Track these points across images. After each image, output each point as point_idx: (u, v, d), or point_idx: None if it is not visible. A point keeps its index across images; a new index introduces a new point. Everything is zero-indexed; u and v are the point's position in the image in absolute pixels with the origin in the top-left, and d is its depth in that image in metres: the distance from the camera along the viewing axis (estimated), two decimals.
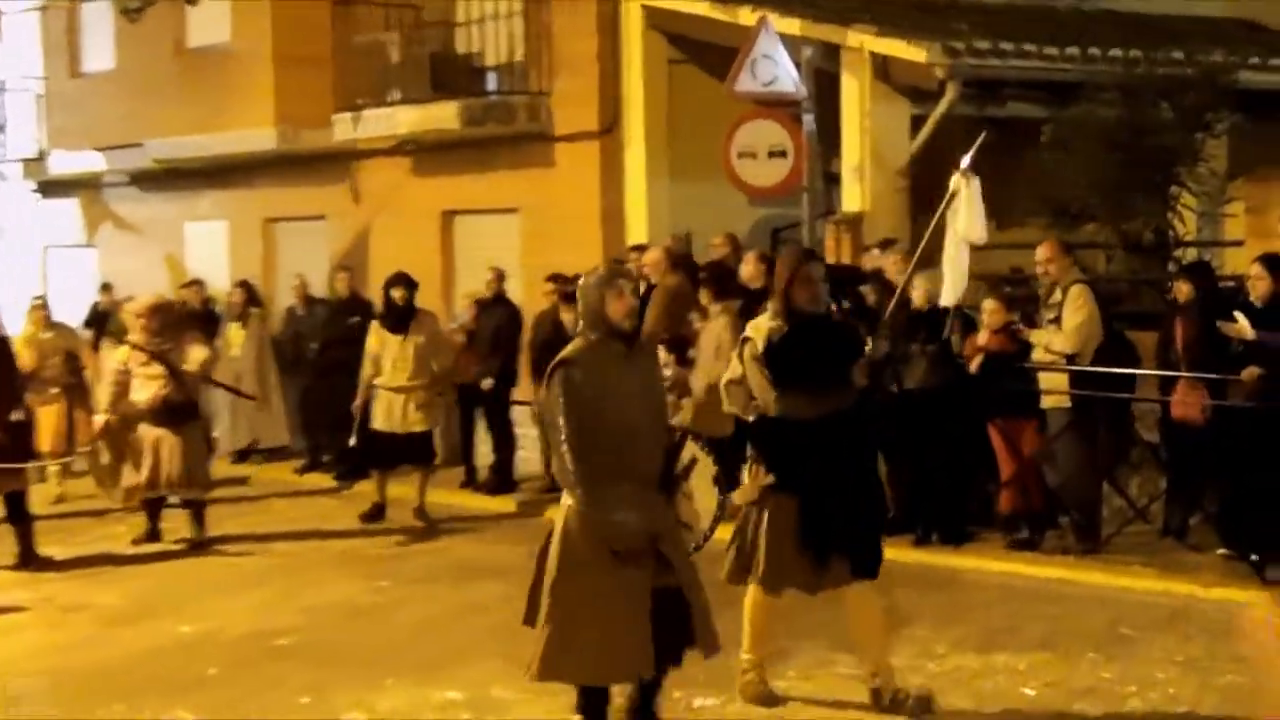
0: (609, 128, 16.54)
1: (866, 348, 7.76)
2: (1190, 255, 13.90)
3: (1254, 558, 10.48)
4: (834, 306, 8.20)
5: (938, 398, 11.79)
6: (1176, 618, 9.79)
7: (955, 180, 7.83)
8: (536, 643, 6.97)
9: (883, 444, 11.48)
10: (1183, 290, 11.51)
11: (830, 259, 13.64)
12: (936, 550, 11.73)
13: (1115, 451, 11.89)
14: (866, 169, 14.94)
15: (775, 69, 14.50)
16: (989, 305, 11.75)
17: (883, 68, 14.95)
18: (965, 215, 7.82)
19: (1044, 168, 14.16)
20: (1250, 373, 10.48)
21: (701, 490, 7.41)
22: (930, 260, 8.90)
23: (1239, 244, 14.35)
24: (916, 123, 15.08)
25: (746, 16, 15.11)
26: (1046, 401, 11.49)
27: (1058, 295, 11.42)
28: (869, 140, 14.95)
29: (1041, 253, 11.65)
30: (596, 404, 6.78)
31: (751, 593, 7.91)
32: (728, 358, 13.18)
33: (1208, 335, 10.87)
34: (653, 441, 7.03)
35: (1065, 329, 11.27)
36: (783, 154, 14.88)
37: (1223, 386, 10.77)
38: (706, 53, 16.14)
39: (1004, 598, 10.47)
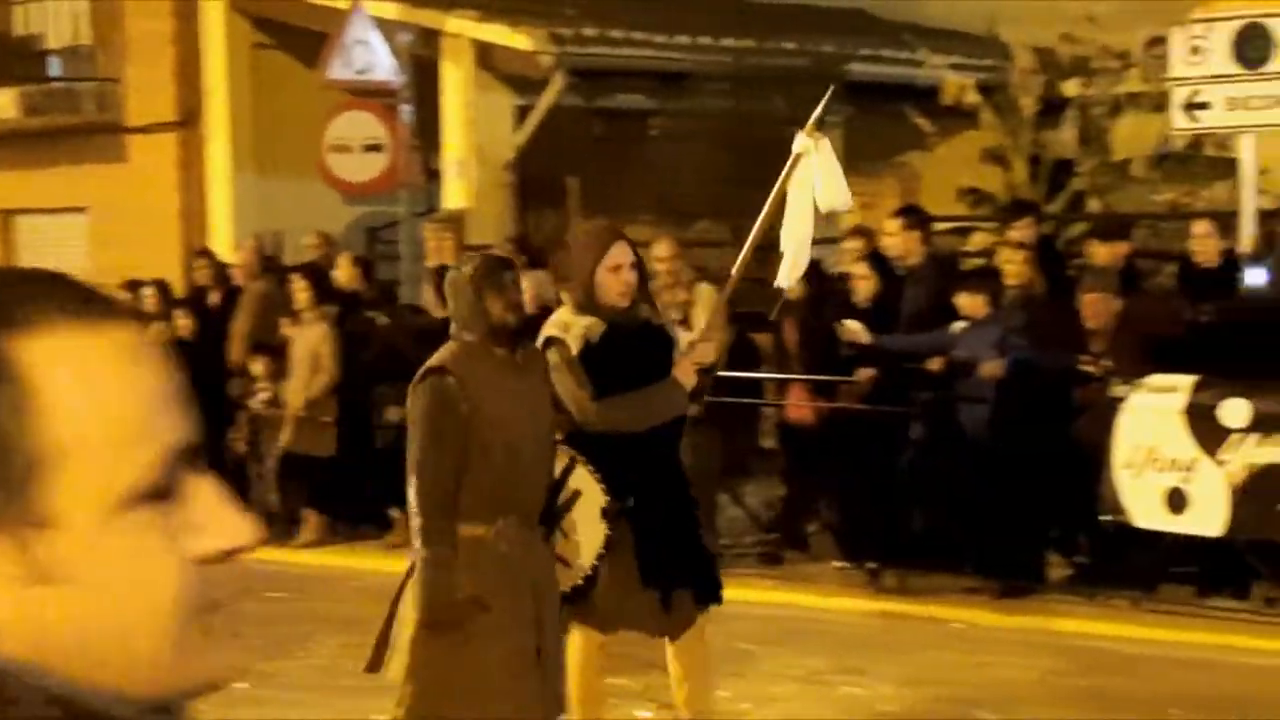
0: (188, 119, 16.21)
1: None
2: None
3: (870, 565, 10.91)
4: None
5: None
6: (797, 630, 10.10)
7: (802, 141, 7.00)
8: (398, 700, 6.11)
9: None
10: (793, 289, 11.86)
11: (432, 261, 13.64)
12: None
13: (734, 459, 12.21)
14: (470, 164, 14.99)
15: (370, 56, 14.44)
16: None
17: (486, 56, 15.03)
18: (823, 181, 6.99)
19: (653, 161, 14.45)
20: (864, 374, 10.90)
21: (585, 523, 6.43)
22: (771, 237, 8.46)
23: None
24: (522, 114, 15.22)
25: None
26: None
27: (680, 295, 11.64)
28: (472, 133, 15.01)
29: (660, 250, 11.85)
30: (474, 421, 5.90)
31: (579, 639, 6.88)
32: (327, 369, 13.25)
33: (819, 335, 11.28)
34: (540, 467, 6.19)
35: (698, 330, 11.47)
36: (379, 147, 14.83)
37: (834, 388, 11.19)
38: (296, 38, 15.94)
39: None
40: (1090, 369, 10.30)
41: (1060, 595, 10.45)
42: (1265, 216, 11.46)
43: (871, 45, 16.99)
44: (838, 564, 11.30)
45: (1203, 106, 11.36)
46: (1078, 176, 14.11)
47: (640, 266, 6.79)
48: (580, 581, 6.47)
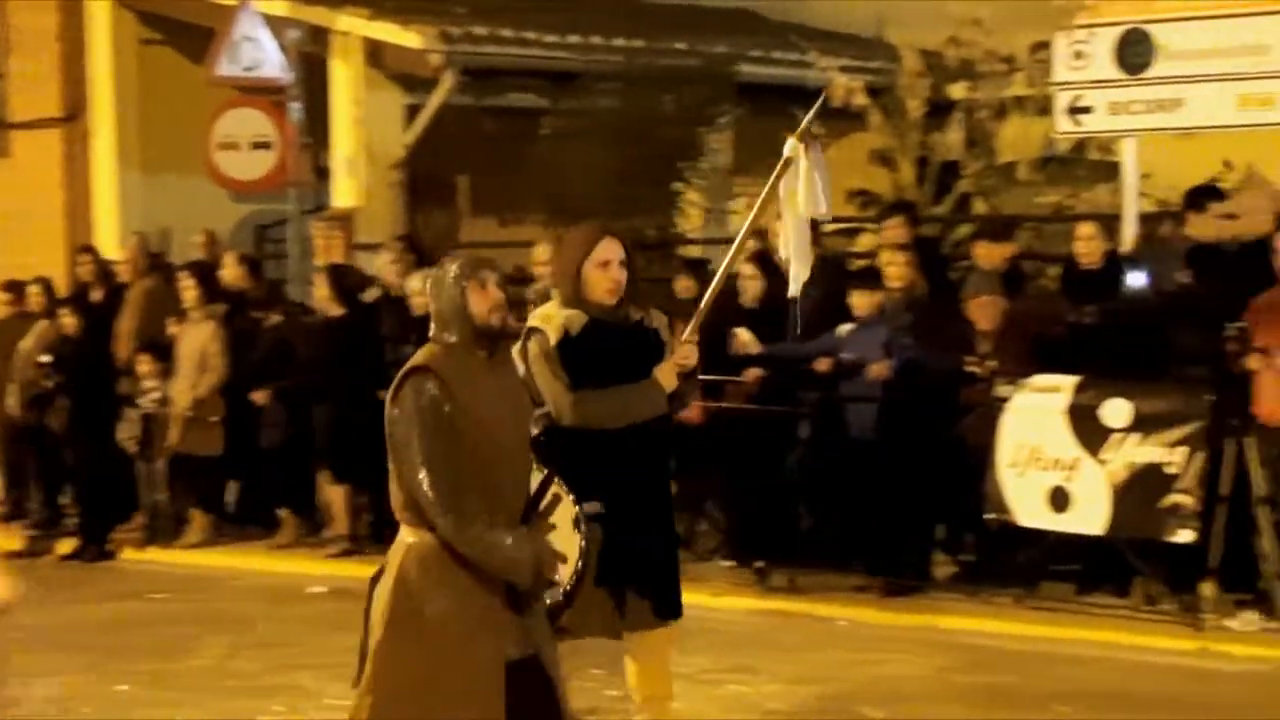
0: (73, 114, 16.03)
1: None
2: (694, 253, 14.43)
3: (758, 565, 10.98)
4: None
5: None
6: (683, 630, 10.06)
7: (791, 146, 6.88)
8: (355, 711, 5.85)
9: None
10: (683, 286, 11.93)
11: (321, 260, 13.58)
12: None
13: None
14: (359, 162, 14.93)
15: (258, 53, 14.36)
16: None
17: (376, 54, 14.98)
18: (804, 188, 6.91)
19: (543, 161, 14.46)
20: (752, 374, 10.97)
21: (560, 535, 6.07)
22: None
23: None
24: (412, 113, 15.17)
25: None
26: None
27: None
28: (361, 131, 14.96)
29: (539, 253, 11.87)
30: (458, 424, 5.67)
31: None
32: (215, 368, 13.16)
33: (708, 335, 11.32)
34: (521, 470, 5.95)
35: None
36: (267, 145, 14.75)
37: (722, 388, 11.25)
38: (183, 33, 15.80)
39: None
40: (975, 369, 10.43)
41: (946, 593, 10.57)
42: (1146, 219, 11.64)
43: (761, 46, 17.07)
44: (725, 563, 11.37)
45: (1086, 111, 11.52)
46: (964, 179, 14.27)
47: (631, 266, 6.58)
48: (560, 599, 6.05)
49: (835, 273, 11.20)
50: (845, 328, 10.71)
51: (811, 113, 7.00)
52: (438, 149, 15.59)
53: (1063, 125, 11.77)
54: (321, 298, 12.57)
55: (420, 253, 13.08)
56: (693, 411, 11.41)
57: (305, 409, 12.56)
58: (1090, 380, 9.91)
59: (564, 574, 6.03)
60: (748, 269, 11.33)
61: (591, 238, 6.54)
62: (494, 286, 5.79)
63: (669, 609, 6.76)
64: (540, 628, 5.89)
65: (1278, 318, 9.34)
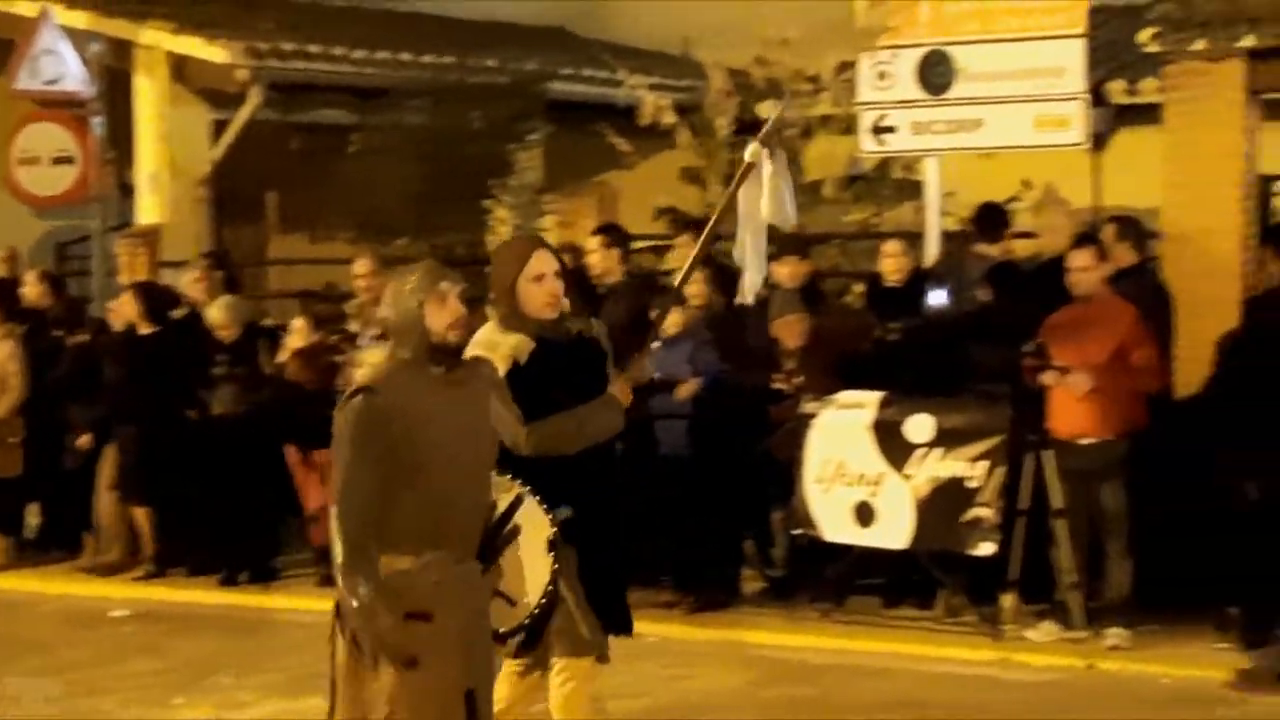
0: None
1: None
2: None
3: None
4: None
5: (244, 424, 11.72)
6: None
7: (752, 150, 6.68)
8: None
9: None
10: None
11: (125, 277, 13.34)
12: (246, 590, 11.67)
13: None
14: (164, 178, 14.72)
15: (60, 66, 14.11)
16: (297, 324, 11.78)
17: (181, 68, 14.80)
18: (769, 194, 6.69)
19: (353, 177, 14.36)
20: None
21: (531, 555, 5.82)
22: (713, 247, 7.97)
23: None
24: (219, 128, 15.00)
25: (26, 7, 14.59)
26: None
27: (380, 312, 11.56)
28: (166, 147, 14.75)
29: (359, 267, 11.76)
30: (406, 445, 5.36)
31: (577, 670, 6.38)
32: (15, 388, 12.83)
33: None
34: (477, 495, 5.63)
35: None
36: (69, 160, 14.49)
37: None
38: None
39: (316, 638, 10.44)
40: (782, 386, 10.52)
41: (754, 608, 10.65)
42: (949, 237, 11.84)
43: (571, 64, 17.14)
44: None
45: (890, 130, 11.70)
46: None
47: (566, 275, 6.43)
48: (526, 620, 5.89)
49: (643, 289, 11.25)
50: (653, 345, 10.73)
51: (775, 116, 6.93)
52: (245, 165, 15.42)
53: (867, 144, 11.95)
54: (129, 315, 12.33)
55: (228, 270, 12.92)
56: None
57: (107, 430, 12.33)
58: (894, 396, 10.06)
59: (530, 598, 5.86)
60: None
61: (524, 252, 6.33)
62: (455, 300, 5.48)
63: (625, 624, 6.65)
64: (484, 664, 5.70)
65: (1072, 335, 9.54)
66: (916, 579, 10.24)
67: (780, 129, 6.88)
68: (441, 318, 5.44)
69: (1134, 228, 10.60)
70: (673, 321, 10.75)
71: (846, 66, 12.82)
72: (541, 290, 6.24)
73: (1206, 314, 10.55)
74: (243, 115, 14.58)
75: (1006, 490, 9.67)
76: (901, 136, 11.69)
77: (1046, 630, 9.65)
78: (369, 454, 5.32)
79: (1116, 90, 14.02)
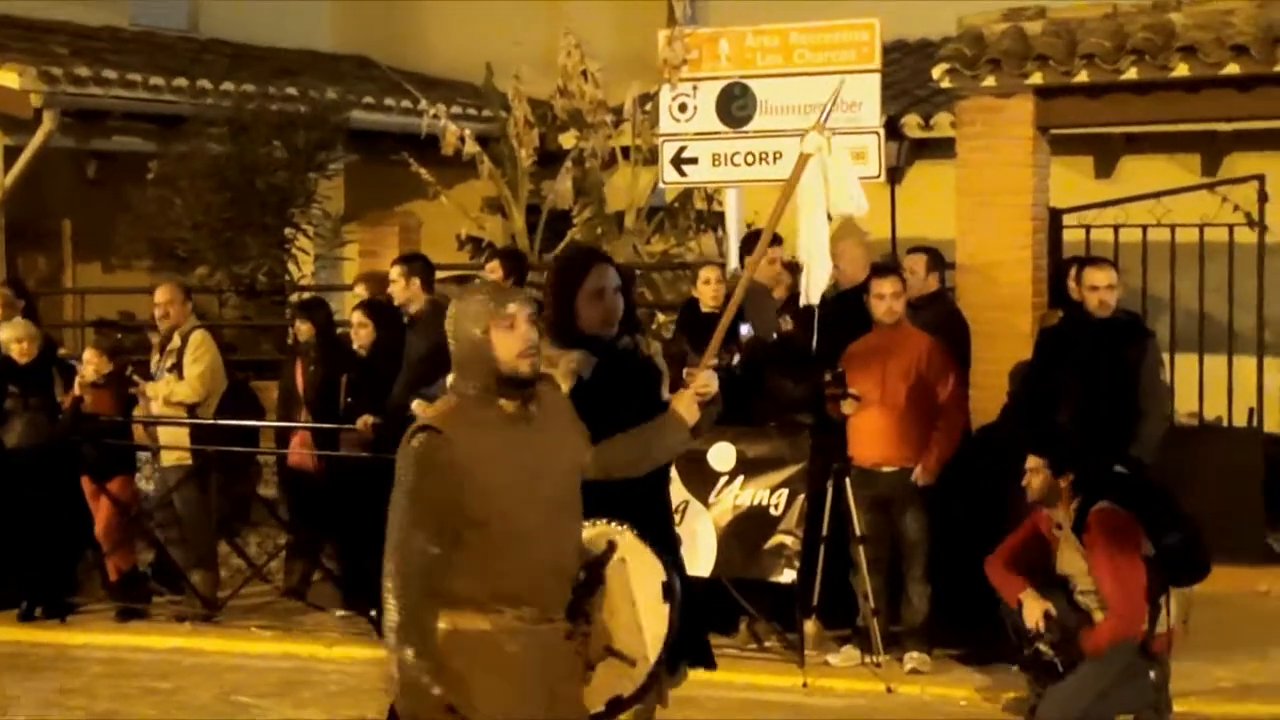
0: None
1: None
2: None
3: (373, 614, 10.81)
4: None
5: (38, 456, 11.40)
6: (295, 682, 9.93)
7: (814, 140, 6.24)
8: None
9: None
10: (302, 330, 11.72)
11: None
12: (41, 626, 11.33)
13: (235, 508, 11.98)
14: None
15: None
16: (89, 355, 11.49)
17: None
18: (837, 183, 6.29)
19: (151, 206, 14.08)
20: (366, 421, 10.83)
21: (645, 604, 5.14)
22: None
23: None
24: (11, 155, 14.62)
25: None
26: (167, 458, 11.37)
27: (176, 342, 11.35)
28: None
29: (160, 296, 11.50)
30: (474, 490, 4.71)
31: None
32: None
33: (326, 378, 11.20)
34: (561, 541, 4.91)
35: (188, 378, 11.22)
36: None
37: (336, 435, 11.09)
38: None
39: (113, 674, 10.23)
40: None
41: None
42: None
43: (373, 93, 17.00)
44: (340, 613, 11.17)
45: (691, 162, 11.75)
46: (574, 227, 14.40)
47: (626, 292, 6.00)
48: (647, 679, 5.15)
49: (444, 318, 11.14)
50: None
51: (830, 101, 6.55)
52: (38, 192, 15.06)
53: (669, 175, 11.99)
54: None
55: (26, 298, 12.55)
56: (303, 458, 11.23)
57: None
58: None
59: (650, 654, 5.10)
60: (357, 316, 11.17)
61: (582, 266, 5.92)
62: (524, 323, 4.82)
63: (705, 658, 6.07)
64: None
65: (870, 363, 9.63)
66: (721, 606, 10.24)
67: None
68: (510, 345, 4.81)
69: (938, 258, 10.77)
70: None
71: (648, 98, 12.87)
72: (600, 306, 5.84)
73: (1000, 344, 10.74)
74: (36, 142, 14.22)
75: (808, 518, 9.73)
76: (702, 168, 11.75)
77: (848, 655, 9.72)
78: (430, 502, 4.72)
79: (912, 125, 14.25)
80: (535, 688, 4.80)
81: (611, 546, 5.10)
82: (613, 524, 5.21)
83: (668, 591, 5.15)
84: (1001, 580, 8.29)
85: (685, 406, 5.62)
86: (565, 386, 5.62)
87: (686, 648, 5.77)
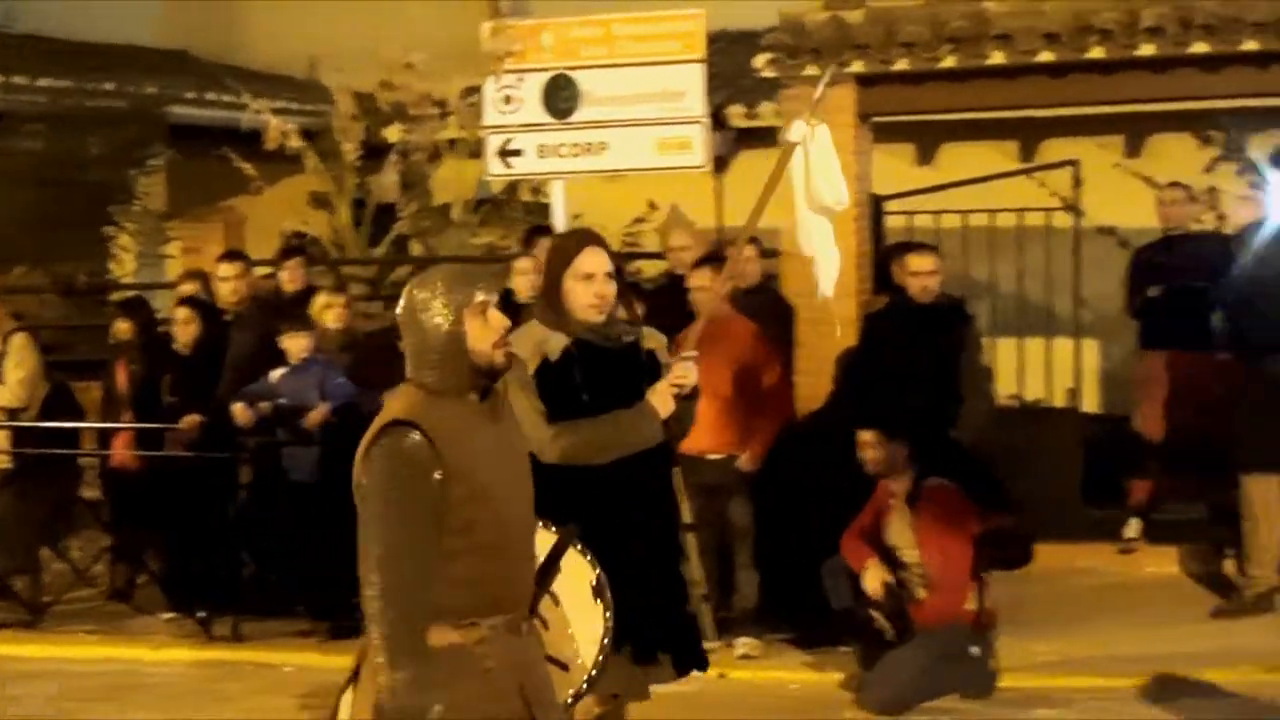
0: None
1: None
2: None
3: (200, 615, 10.69)
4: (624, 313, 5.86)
5: None
6: (124, 685, 9.78)
7: (800, 129, 6.07)
8: None
9: None
10: (122, 329, 11.55)
11: None
12: None
13: (56, 511, 11.77)
14: None
15: None
16: None
17: None
18: (822, 174, 6.10)
19: None
20: (190, 421, 10.69)
21: (576, 607, 4.93)
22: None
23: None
24: None
25: None
26: None
27: None
28: None
29: None
30: (451, 491, 4.33)
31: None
32: None
33: (147, 380, 11.06)
34: (528, 546, 4.64)
35: (10, 384, 11.07)
36: None
37: (159, 435, 10.95)
38: None
39: None
40: None
41: None
42: None
43: (194, 88, 16.75)
44: (167, 615, 11.03)
45: (516, 154, 11.74)
46: (400, 221, 14.33)
47: (621, 278, 5.77)
48: (584, 685, 4.97)
49: (269, 314, 11.06)
50: (278, 372, 10.55)
51: (822, 86, 6.39)
52: None
53: (494, 168, 11.96)
54: None
55: None
56: (126, 459, 11.07)
57: None
58: None
59: (585, 658, 4.94)
60: (181, 313, 11.04)
61: (572, 247, 5.72)
62: (495, 311, 4.50)
63: (695, 659, 5.93)
64: None
65: (705, 349, 9.65)
66: None
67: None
68: (485, 335, 4.46)
69: (760, 246, 10.85)
70: (296, 347, 10.47)
71: (472, 90, 12.83)
72: (588, 290, 5.64)
73: (825, 330, 10.85)
74: None
75: None
76: (528, 160, 11.74)
77: None
78: (414, 507, 4.29)
79: (736, 114, 14.34)
80: (515, 703, 4.48)
81: (563, 542, 4.87)
82: (541, 524, 4.91)
83: (598, 591, 4.94)
84: (852, 551, 8.46)
85: (659, 398, 5.50)
86: (531, 366, 5.54)
87: (676, 647, 5.75)
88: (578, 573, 4.95)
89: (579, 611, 4.90)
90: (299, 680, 9.76)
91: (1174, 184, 11.55)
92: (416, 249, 14.48)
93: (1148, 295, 11.12)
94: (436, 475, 4.28)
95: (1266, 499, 9.83)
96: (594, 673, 4.94)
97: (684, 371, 5.59)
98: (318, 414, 10.35)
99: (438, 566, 4.32)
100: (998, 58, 11.13)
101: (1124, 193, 13.05)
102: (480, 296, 4.47)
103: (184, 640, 10.58)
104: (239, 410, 10.47)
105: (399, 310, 4.56)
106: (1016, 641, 8.95)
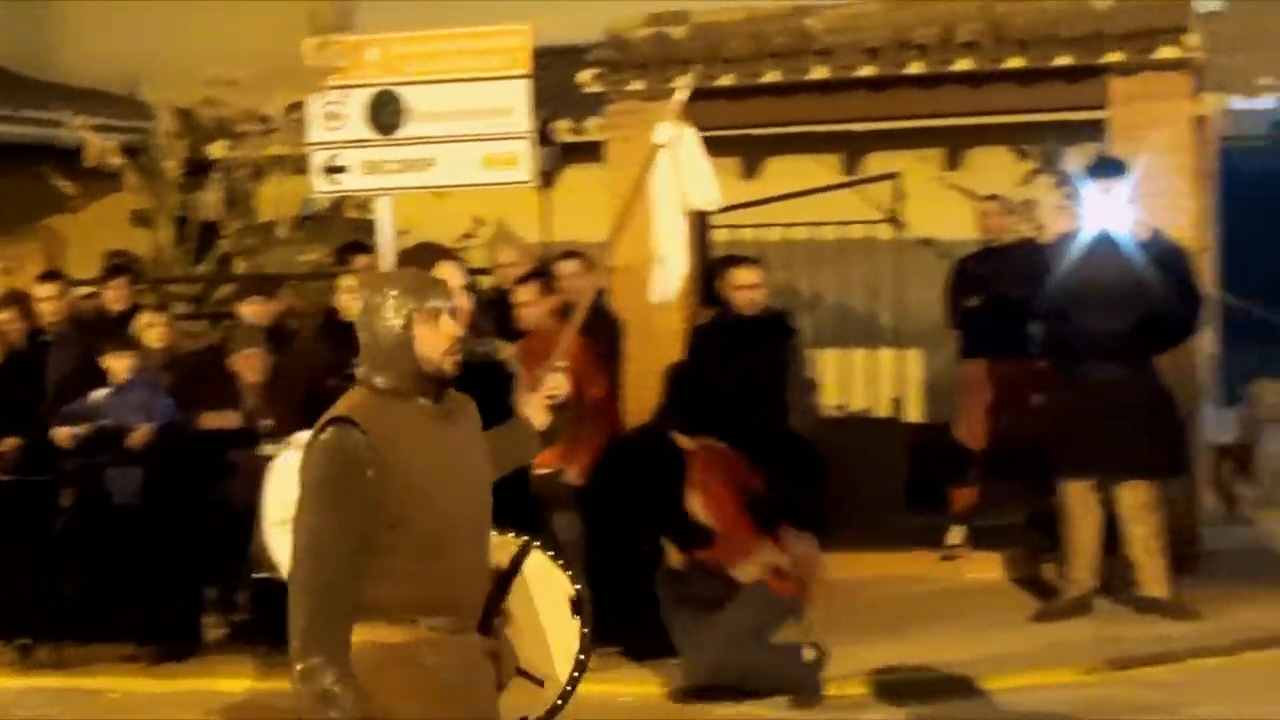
0: None
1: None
2: None
3: (23, 642, 10.48)
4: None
5: None
6: None
7: (666, 130, 6.07)
8: None
9: None
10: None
11: None
12: None
13: None
14: None
15: None
16: None
17: None
18: (689, 174, 6.11)
19: None
20: (9, 443, 10.50)
21: (552, 621, 4.93)
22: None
23: None
24: None
25: None
26: None
27: None
28: None
29: None
30: (393, 488, 4.36)
31: None
32: None
33: None
34: (477, 551, 4.61)
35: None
36: None
37: None
38: None
39: None
40: (240, 427, 10.35)
41: (220, 654, 10.40)
42: None
43: (9, 104, 16.38)
44: None
45: (341, 170, 11.65)
46: (224, 238, 14.16)
47: (475, 292, 5.61)
48: (560, 700, 4.93)
49: (90, 333, 10.89)
50: (101, 393, 10.38)
51: (686, 89, 6.33)
52: None
53: (320, 184, 11.85)
54: None
55: None
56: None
57: None
58: None
59: (560, 672, 4.91)
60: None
61: (426, 264, 5.55)
62: (448, 319, 4.54)
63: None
64: None
65: (534, 363, 9.69)
66: None
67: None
68: (435, 342, 4.51)
69: (587, 260, 10.88)
70: (119, 367, 10.34)
71: (296, 107, 12.72)
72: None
73: (653, 344, 10.91)
74: None
75: None
76: (354, 176, 11.65)
77: None
78: (347, 501, 4.32)
79: (562, 129, 14.36)
80: (456, 705, 4.46)
81: (524, 552, 4.90)
82: (511, 535, 4.98)
83: (577, 607, 4.97)
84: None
85: (534, 410, 5.45)
86: None
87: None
88: (557, 587, 4.97)
89: (556, 626, 4.92)
90: (126, 705, 9.65)
91: (992, 196, 11.78)
92: (241, 267, 14.31)
93: (968, 305, 11.32)
94: (370, 472, 4.31)
95: (1084, 503, 10.03)
96: (569, 689, 4.93)
97: (556, 382, 5.55)
98: (141, 434, 10.21)
99: (369, 561, 4.33)
100: (820, 72, 11.29)
101: (944, 205, 13.27)
102: (432, 303, 4.51)
103: (5, 667, 10.37)
104: (60, 432, 10.30)
105: (358, 309, 4.62)
106: (844, 648, 9.05)
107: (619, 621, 9.64)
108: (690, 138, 6.13)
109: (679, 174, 6.12)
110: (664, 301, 6.54)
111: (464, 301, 5.57)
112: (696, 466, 8.67)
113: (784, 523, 8.73)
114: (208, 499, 10.27)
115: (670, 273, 6.35)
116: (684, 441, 9.02)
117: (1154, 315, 9.74)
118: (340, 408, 4.45)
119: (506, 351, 5.95)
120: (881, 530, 11.15)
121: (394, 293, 4.52)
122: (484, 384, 5.61)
